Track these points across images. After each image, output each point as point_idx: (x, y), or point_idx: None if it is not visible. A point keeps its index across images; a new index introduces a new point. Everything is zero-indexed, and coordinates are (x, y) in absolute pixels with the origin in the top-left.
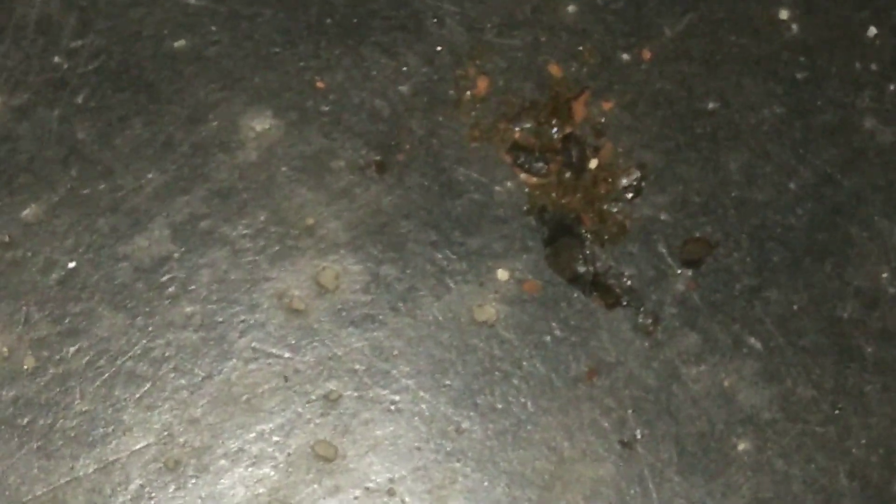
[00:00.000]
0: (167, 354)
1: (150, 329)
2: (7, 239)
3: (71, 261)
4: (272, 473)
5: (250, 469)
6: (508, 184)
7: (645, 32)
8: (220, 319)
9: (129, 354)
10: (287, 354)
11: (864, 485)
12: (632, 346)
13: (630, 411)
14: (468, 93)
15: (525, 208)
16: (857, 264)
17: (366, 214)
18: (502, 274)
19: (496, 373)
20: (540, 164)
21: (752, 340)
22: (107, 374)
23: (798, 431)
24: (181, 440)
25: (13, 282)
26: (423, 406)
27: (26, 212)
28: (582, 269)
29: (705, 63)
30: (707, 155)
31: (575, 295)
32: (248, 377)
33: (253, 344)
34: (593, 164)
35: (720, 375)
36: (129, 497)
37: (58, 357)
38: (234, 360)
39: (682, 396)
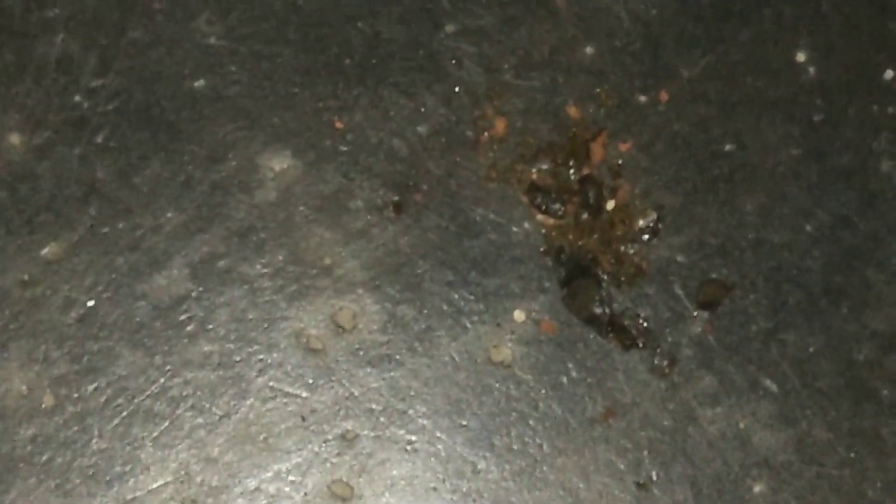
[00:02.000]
0: (185, 393)
1: (167, 368)
2: (27, 277)
3: (90, 299)
4: None
5: None
6: (526, 224)
7: (662, 74)
8: (238, 358)
9: (147, 393)
10: (304, 394)
11: None
12: (648, 388)
13: (646, 452)
14: (486, 133)
15: (542, 249)
16: (874, 307)
17: (383, 254)
18: (519, 315)
19: (512, 413)
20: (557, 206)
21: (768, 382)
22: (125, 413)
23: (814, 474)
24: (198, 479)
25: (32, 320)
26: (440, 446)
27: (46, 250)
28: (598, 311)
29: (722, 105)
30: (723, 197)
31: (591, 336)
32: (266, 416)
33: (270, 383)
34: (610, 205)
35: (736, 417)
36: None
37: (76, 395)
38: (252, 400)
39: (698, 438)
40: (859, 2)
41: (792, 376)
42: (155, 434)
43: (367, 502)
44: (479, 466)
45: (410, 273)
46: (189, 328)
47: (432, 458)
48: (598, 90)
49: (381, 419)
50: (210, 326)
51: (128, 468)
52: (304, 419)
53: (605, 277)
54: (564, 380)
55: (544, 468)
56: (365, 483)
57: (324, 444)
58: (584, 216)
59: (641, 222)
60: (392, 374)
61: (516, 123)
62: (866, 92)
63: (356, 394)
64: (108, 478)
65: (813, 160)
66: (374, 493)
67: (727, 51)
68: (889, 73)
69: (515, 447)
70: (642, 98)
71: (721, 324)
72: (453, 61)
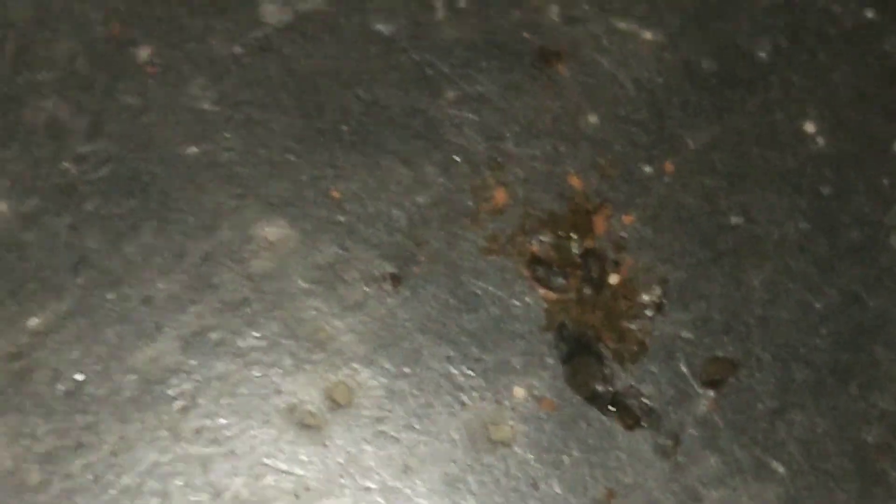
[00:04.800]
0: (176, 470)
1: (157, 443)
2: (13, 349)
3: (78, 372)
4: None
5: None
6: (527, 298)
7: (667, 144)
8: (230, 434)
9: (137, 469)
10: (299, 471)
11: None
12: (651, 468)
13: None
14: (486, 204)
15: (543, 324)
16: (883, 386)
17: (380, 328)
18: (519, 391)
19: (512, 493)
20: (559, 279)
21: (775, 464)
22: (114, 490)
23: None
24: None
25: (19, 393)
26: None
27: (33, 321)
28: (601, 388)
29: (729, 176)
30: (730, 271)
31: (593, 414)
32: (259, 494)
33: (263, 459)
34: (614, 279)
35: (742, 500)
36: None
37: (64, 472)
38: (244, 476)
39: None
40: (869, 71)
41: (799, 457)
42: None
43: None
44: None
45: (409, 347)
46: (179, 402)
47: None
48: (601, 160)
49: (378, 498)
50: (201, 401)
51: None
52: (297, 497)
53: (608, 354)
54: (565, 459)
55: None
56: None
57: None
58: (587, 290)
59: (645, 297)
60: (389, 451)
61: (517, 193)
62: (876, 164)
63: (352, 471)
64: None
65: (821, 234)
66: None
67: (734, 120)
68: None
69: None
70: (647, 169)
71: (727, 403)
72: (453, 129)
